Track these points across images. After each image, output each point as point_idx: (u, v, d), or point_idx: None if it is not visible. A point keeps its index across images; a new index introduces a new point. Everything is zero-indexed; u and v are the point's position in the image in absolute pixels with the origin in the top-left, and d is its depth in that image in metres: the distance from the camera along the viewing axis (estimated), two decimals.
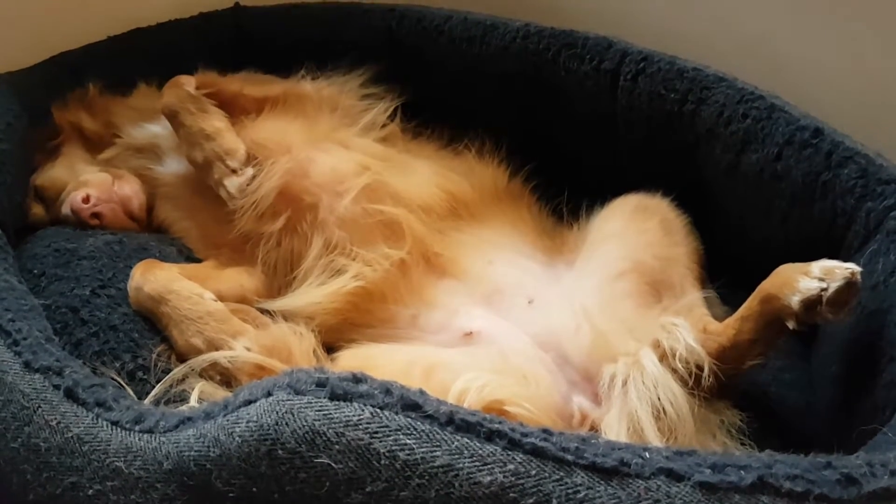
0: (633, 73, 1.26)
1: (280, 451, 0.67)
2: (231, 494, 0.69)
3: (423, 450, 0.65)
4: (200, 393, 0.96)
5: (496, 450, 0.65)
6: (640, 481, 0.63)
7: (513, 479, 0.63)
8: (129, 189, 1.28)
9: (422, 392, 0.71)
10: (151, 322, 1.07)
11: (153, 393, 0.96)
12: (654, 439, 0.91)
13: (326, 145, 1.24)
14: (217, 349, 1.02)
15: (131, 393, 0.90)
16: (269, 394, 0.70)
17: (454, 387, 0.92)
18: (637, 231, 1.14)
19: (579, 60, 1.32)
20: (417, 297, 1.13)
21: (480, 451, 0.65)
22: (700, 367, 0.96)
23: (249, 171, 1.18)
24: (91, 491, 0.75)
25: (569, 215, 1.26)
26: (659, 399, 0.93)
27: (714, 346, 0.99)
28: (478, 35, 1.41)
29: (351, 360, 1.05)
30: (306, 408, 0.68)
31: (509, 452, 0.65)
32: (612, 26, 1.38)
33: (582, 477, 0.63)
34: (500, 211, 1.26)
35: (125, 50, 1.54)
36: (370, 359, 1.04)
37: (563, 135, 1.42)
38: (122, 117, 1.36)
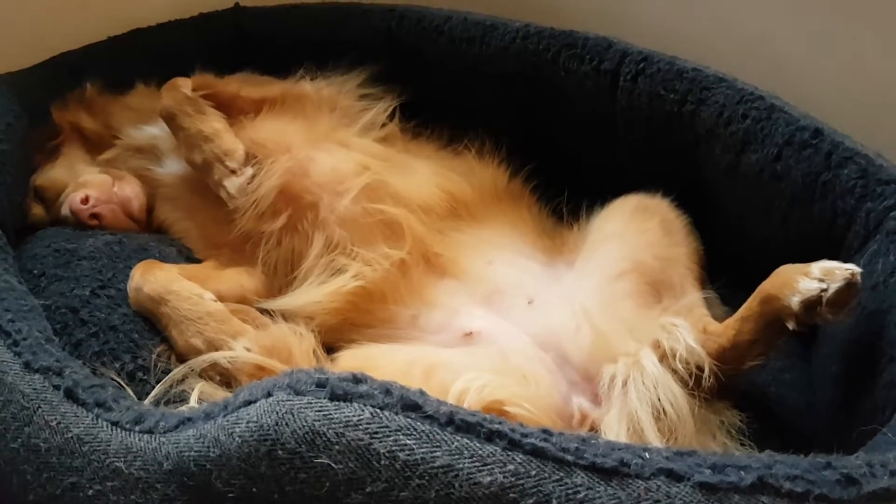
0: (632, 74, 1.26)
1: (280, 452, 0.67)
2: (231, 495, 0.69)
3: (423, 450, 0.65)
4: (200, 393, 0.96)
5: (496, 450, 0.65)
6: (640, 482, 0.63)
7: (513, 479, 0.63)
8: (130, 190, 1.28)
9: (422, 392, 0.71)
10: (151, 322, 1.07)
11: (153, 393, 0.96)
12: (654, 440, 0.91)
13: (326, 145, 1.24)
14: (217, 349, 1.02)
15: (131, 393, 0.90)
16: (269, 394, 0.70)
17: (454, 387, 0.92)
18: (637, 231, 1.14)
19: (579, 61, 1.32)
20: (417, 297, 1.13)
21: (480, 452, 0.65)
22: (700, 368, 0.96)
23: (249, 171, 1.18)
24: (91, 491, 0.75)
25: (569, 215, 1.26)
26: (659, 399, 0.93)
27: (714, 347, 0.99)
28: (477, 35, 1.41)
29: (351, 360, 1.05)
30: (306, 408, 0.68)
31: (509, 453, 0.65)
32: (611, 27, 1.38)
33: (582, 477, 0.63)
34: (500, 211, 1.26)
35: (125, 50, 1.54)
36: (370, 359, 1.04)
37: (563, 135, 1.42)
38: (121, 118, 1.36)
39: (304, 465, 0.66)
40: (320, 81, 1.35)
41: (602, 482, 0.63)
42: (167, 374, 0.99)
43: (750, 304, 0.97)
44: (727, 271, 1.17)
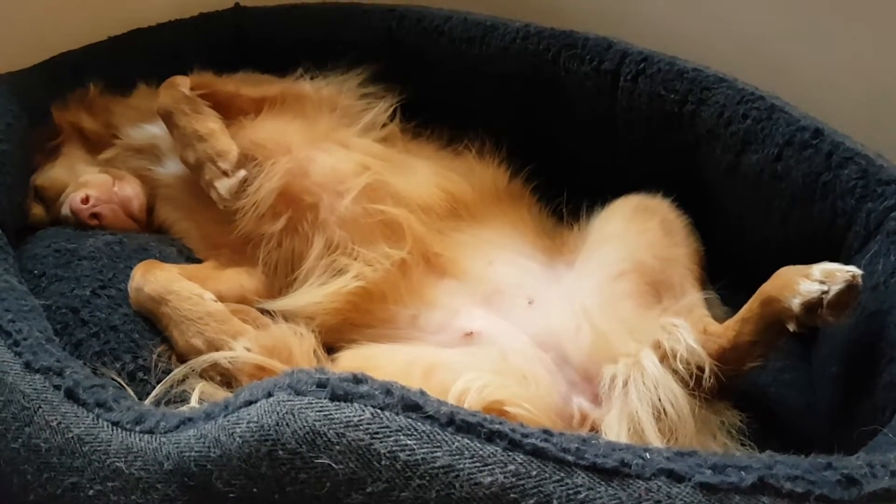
0: (633, 74, 1.27)
1: (280, 452, 0.67)
2: (231, 495, 0.69)
3: (423, 450, 0.65)
4: (201, 393, 0.96)
5: (497, 450, 0.65)
6: (641, 482, 0.63)
7: (513, 479, 0.63)
8: (130, 190, 1.28)
9: (422, 393, 0.71)
10: (152, 323, 1.07)
11: (154, 393, 0.96)
12: (655, 440, 0.91)
13: (326, 145, 1.24)
14: (217, 350, 1.02)
15: (132, 393, 0.90)
16: (270, 394, 0.70)
17: (454, 387, 0.92)
18: (637, 231, 1.14)
19: (579, 61, 1.32)
20: (418, 297, 1.13)
21: (481, 452, 0.65)
22: (700, 368, 0.96)
23: (241, 174, 1.18)
24: (91, 491, 0.75)
25: (569, 216, 1.26)
26: (659, 400, 0.94)
27: (714, 348, 0.99)
28: (478, 35, 1.41)
29: (351, 360, 1.05)
30: (307, 408, 0.68)
31: (510, 453, 0.65)
32: (612, 27, 1.38)
33: (582, 477, 0.63)
34: (500, 211, 1.26)
35: (125, 50, 1.54)
36: (370, 359, 1.04)
37: (564, 135, 1.42)
38: (121, 118, 1.36)
39: (304, 466, 0.66)
40: (320, 81, 1.35)
41: (603, 482, 0.63)
42: (168, 374, 0.99)
43: (750, 306, 0.97)
44: (727, 272, 1.17)
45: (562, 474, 0.64)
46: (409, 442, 0.65)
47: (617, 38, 1.31)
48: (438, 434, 0.66)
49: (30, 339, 0.88)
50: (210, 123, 1.21)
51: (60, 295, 1.06)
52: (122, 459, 0.74)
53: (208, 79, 1.30)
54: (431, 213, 1.19)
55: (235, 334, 1.04)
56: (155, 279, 1.07)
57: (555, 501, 0.62)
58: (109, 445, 0.75)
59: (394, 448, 0.65)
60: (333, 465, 0.66)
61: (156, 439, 0.74)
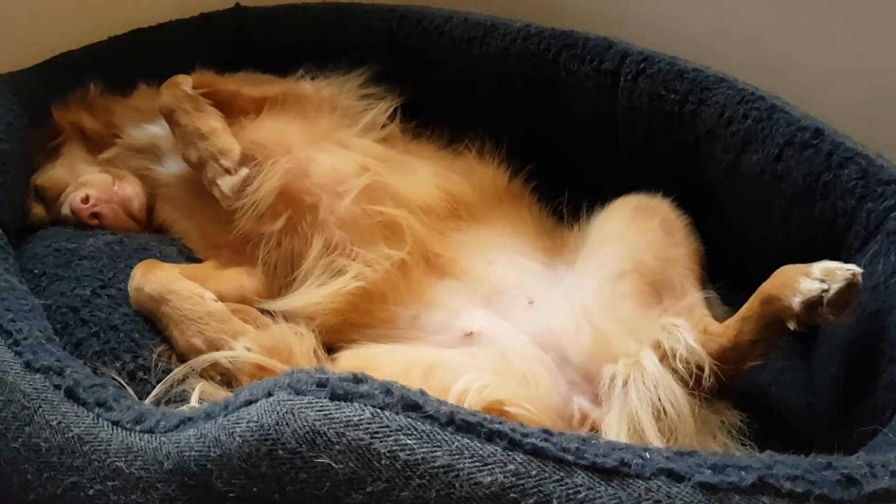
0: (633, 74, 1.27)
1: (280, 451, 0.67)
2: (231, 494, 0.69)
3: (423, 450, 0.65)
4: (201, 393, 0.96)
5: (497, 450, 0.65)
6: (641, 482, 0.63)
7: (513, 479, 0.63)
8: (130, 189, 1.28)
9: (422, 392, 0.71)
10: (152, 322, 1.07)
11: (154, 393, 0.96)
12: (655, 440, 0.91)
13: (326, 145, 1.24)
14: (217, 349, 1.02)
15: (132, 393, 0.90)
16: (270, 394, 0.70)
17: (454, 387, 0.92)
18: (637, 231, 1.14)
19: (580, 61, 1.32)
20: (418, 297, 1.13)
21: (481, 452, 0.65)
22: (700, 368, 0.96)
23: (244, 172, 1.18)
24: (92, 491, 0.75)
25: (569, 216, 1.25)
26: (659, 399, 0.94)
27: (715, 347, 0.99)
28: (478, 36, 1.41)
29: (351, 360, 1.05)
30: (307, 408, 0.68)
31: (510, 453, 0.65)
32: (612, 27, 1.38)
33: (582, 477, 0.63)
34: (500, 211, 1.26)
35: (126, 50, 1.54)
36: (370, 359, 1.04)
37: (564, 135, 1.42)
38: (122, 117, 1.36)
39: (304, 465, 0.66)
40: (321, 81, 1.35)
41: (603, 482, 0.63)
42: (168, 373, 0.99)
43: (751, 305, 0.97)
44: (728, 271, 1.17)
45: (562, 474, 0.64)
46: (408, 441, 0.65)
47: (617, 39, 1.31)
48: (438, 434, 0.66)
49: (30, 338, 0.88)
50: (212, 122, 1.21)
51: (61, 294, 1.06)
52: (123, 459, 0.74)
53: (210, 78, 1.30)
54: (431, 214, 1.19)
55: (236, 334, 1.04)
56: (155, 279, 1.07)
57: (555, 501, 0.62)
58: (109, 445, 0.75)
59: (394, 448, 0.65)
60: (333, 464, 0.66)
61: (156, 439, 0.74)
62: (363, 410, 0.67)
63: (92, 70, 1.44)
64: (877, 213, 1.01)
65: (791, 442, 0.84)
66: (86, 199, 1.23)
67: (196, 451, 0.71)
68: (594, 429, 0.97)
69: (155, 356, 1.02)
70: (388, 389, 0.69)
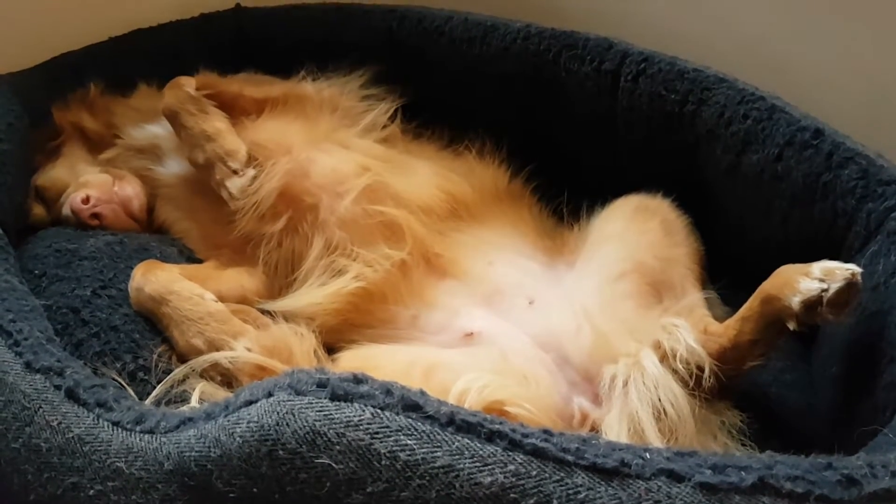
0: (633, 74, 1.27)
1: (281, 452, 0.67)
2: (232, 495, 0.69)
3: (423, 450, 0.65)
4: (201, 393, 0.96)
5: (497, 450, 0.65)
6: (641, 482, 0.63)
7: (513, 479, 0.63)
8: (130, 189, 1.29)
9: (422, 393, 0.71)
10: (152, 323, 1.07)
11: (154, 393, 0.96)
12: (655, 440, 0.91)
13: (327, 146, 1.24)
14: (218, 350, 1.02)
15: (132, 393, 0.90)
16: (270, 394, 0.70)
17: (454, 387, 0.92)
18: (638, 232, 1.14)
19: (580, 61, 1.32)
20: (418, 297, 1.13)
21: (481, 452, 0.65)
22: (701, 368, 0.96)
23: (251, 172, 1.18)
24: (92, 491, 0.75)
25: (569, 216, 1.26)
26: (659, 400, 0.94)
27: (715, 347, 0.99)
28: (478, 36, 1.41)
29: (351, 360, 1.05)
30: (307, 408, 0.68)
31: (510, 453, 0.65)
32: (612, 27, 1.38)
33: (583, 477, 0.63)
34: (500, 211, 1.26)
35: (126, 51, 1.54)
36: (371, 359, 1.04)
37: (564, 135, 1.42)
38: (122, 118, 1.36)
39: (304, 466, 0.66)
40: (322, 82, 1.35)
41: (603, 482, 0.63)
42: (168, 374, 0.99)
43: (750, 305, 0.97)
44: (728, 271, 1.17)
45: (562, 474, 0.64)
46: (409, 442, 0.65)
47: (618, 39, 1.31)
48: (438, 434, 0.66)
49: (30, 339, 0.88)
50: (217, 123, 1.21)
51: (61, 295, 1.07)
52: (123, 459, 0.74)
53: (212, 79, 1.30)
54: (432, 214, 1.20)
55: (236, 334, 1.04)
56: (155, 279, 1.07)
57: (555, 501, 0.62)
58: (110, 445, 0.76)
59: (394, 448, 0.65)
60: (333, 464, 0.66)
61: (156, 439, 0.74)
62: (363, 411, 0.67)
63: (92, 70, 1.44)
64: (877, 213, 1.01)
65: (791, 442, 0.84)
66: (86, 200, 1.23)
67: (196, 451, 0.71)
68: (594, 429, 0.97)
69: (155, 357, 1.02)
70: (388, 390, 0.69)
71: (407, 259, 1.14)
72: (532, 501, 0.63)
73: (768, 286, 0.95)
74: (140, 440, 0.75)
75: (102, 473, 0.75)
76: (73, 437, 0.77)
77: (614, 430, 0.93)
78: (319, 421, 0.67)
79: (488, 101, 1.45)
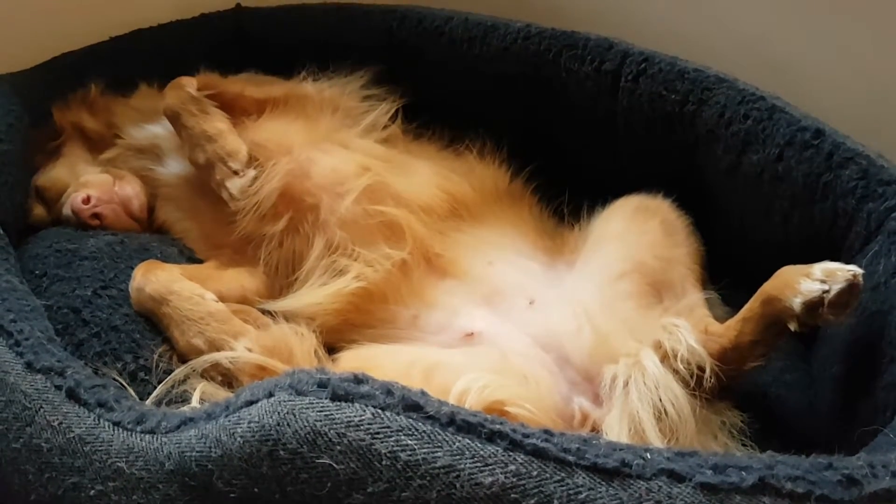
0: (634, 74, 1.26)
1: (281, 452, 0.67)
2: (232, 495, 0.69)
3: (424, 450, 0.65)
4: (202, 393, 0.96)
5: (497, 451, 0.65)
6: (642, 482, 0.63)
7: (514, 479, 0.63)
8: (130, 189, 1.28)
9: (423, 393, 0.71)
10: (153, 323, 1.07)
11: (155, 393, 0.96)
12: (656, 440, 0.91)
13: (327, 146, 1.24)
14: (218, 350, 1.02)
15: (133, 394, 0.90)
16: (271, 394, 0.70)
17: (455, 387, 0.92)
18: (638, 232, 1.14)
19: (580, 61, 1.32)
20: (418, 297, 1.13)
21: (482, 452, 0.65)
22: (701, 368, 0.97)
23: (251, 173, 1.18)
24: (93, 491, 0.75)
25: (569, 216, 1.26)
26: (660, 400, 0.94)
27: (715, 347, 0.99)
28: (478, 36, 1.41)
29: (352, 360, 1.05)
30: (308, 408, 0.68)
31: (510, 453, 0.65)
32: (613, 27, 1.38)
33: (583, 478, 0.64)
34: (500, 211, 1.26)
35: (127, 51, 1.54)
36: (371, 359, 1.04)
37: (564, 135, 1.42)
38: (123, 118, 1.36)
39: (305, 466, 0.67)
40: (322, 82, 1.35)
41: (603, 483, 0.63)
42: (169, 374, 0.99)
43: (751, 305, 0.97)
44: (728, 272, 1.17)
45: (563, 474, 0.64)
46: (409, 442, 0.65)
47: (618, 39, 1.31)
48: (439, 434, 0.66)
49: (31, 339, 0.88)
50: (218, 123, 1.21)
51: (62, 295, 1.07)
52: (124, 459, 0.74)
53: (214, 79, 1.30)
54: (432, 214, 1.20)
55: (236, 334, 1.04)
56: (156, 279, 1.07)
57: (555, 501, 0.63)
58: (111, 445, 0.76)
59: (395, 448, 0.65)
60: (334, 465, 0.66)
61: (157, 439, 0.74)
62: (364, 411, 0.67)
63: (93, 70, 1.44)
64: (877, 213, 1.01)
65: (792, 442, 0.84)
66: (87, 200, 1.23)
67: (197, 451, 0.71)
68: (595, 429, 0.97)
69: (156, 357, 1.02)
70: (388, 390, 0.69)
71: (407, 259, 1.14)
72: (533, 501, 0.63)
73: (769, 287, 0.95)
74: (141, 440, 0.75)
75: (103, 473, 0.75)
76: (73, 437, 0.77)
77: (615, 431, 0.93)
78: (320, 421, 0.67)
79: (489, 101, 1.45)
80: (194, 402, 0.94)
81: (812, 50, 1.39)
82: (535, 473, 0.64)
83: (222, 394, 0.97)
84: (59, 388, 0.81)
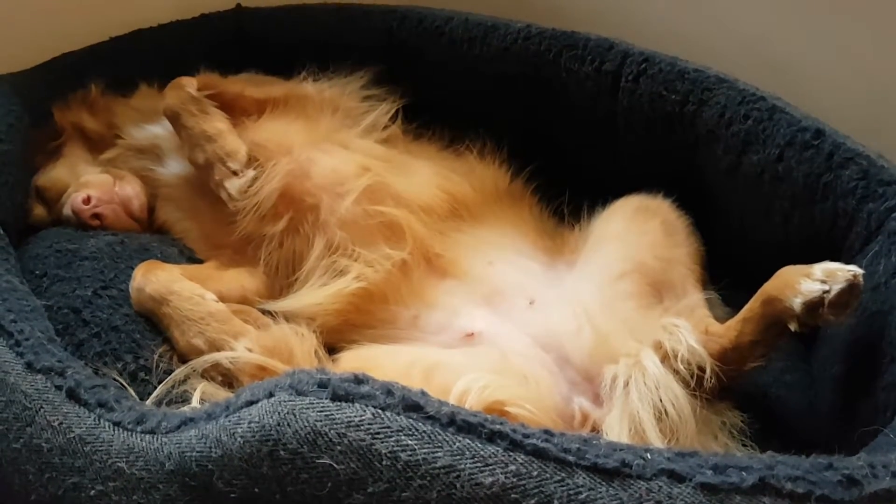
0: (634, 75, 1.27)
1: (282, 452, 0.67)
2: (233, 495, 0.69)
3: (424, 451, 0.65)
4: (202, 394, 0.96)
5: (498, 451, 0.65)
6: (642, 482, 0.63)
7: (514, 479, 0.64)
8: (130, 190, 1.28)
9: (423, 393, 0.71)
10: (153, 323, 1.07)
11: (155, 394, 0.96)
12: (656, 440, 0.91)
13: (327, 146, 1.24)
14: (218, 350, 1.02)
15: (133, 394, 0.90)
16: (271, 394, 0.70)
17: (455, 387, 0.92)
18: (638, 232, 1.14)
19: (580, 62, 1.32)
20: (418, 297, 1.13)
21: (482, 452, 0.65)
22: (701, 369, 0.97)
23: (250, 173, 1.18)
24: (93, 491, 0.75)
25: (570, 216, 1.26)
26: (660, 400, 0.94)
27: (716, 348, 0.99)
28: (479, 36, 1.41)
29: (352, 360, 1.05)
30: (308, 408, 0.68)
31: (511, 453, 0.65)
32: (613, 27, 1.38)
33: (583, 478, 0.64)
34: (500, 212, 1.26)
35: (127, 51, 1.54)
36: (371, 359, 1.04)
37: (564, 136, 1.42)
38: (123, 118, 1.36)
39: (305, 466, 0.67)
40: (322, 83, 1.35)
41: (604, 483, 0.63)
42: (169, 374, 0.99)
43: (751, 306, 0.97)
44: (728, 272, 1.17)
45: (563, 475, 0.64)
46: (410, 442, 0.65)
47: (618, 39, 1.31)
48: (439, 434, 0.66)
49: (31, 339, 0.88)
50: (218, 124, 1.21)
51: (62, 295, 1.07)
52: (124, 460, 0.74)
53: (214, 80, 1.30)
54: (432, 214, 1.20)
55: (236, 334, 1.04)
56: (156, 279, 1.07)
57: (556, 502, 0.63)
58: (111, 445, 0.76)
59: (395, 448, 0.65)
60: (335, 465, 0.66)
61: (157, 439, 0.75)
62: (364, 411, 0.67)
63: (93, 70, 1.44)
64: (877, 213, 1.01)
65: (792, 442, 0.84)
66: (87, 200, 1.23)
67: (197, 451, 0.71)
68: (595, 429, 0.97)
69: (156, 357, 1.02)
70: (389, 390, 0.69)
71: (407, 259, 1.14)
72: (533, 502, 0.63)
73: (769, 287, 0.95)
74: (141, 440, 0.75)
75: (103, 474, 0.75)
76: (74, 438, 0.77)
77: (615, 431, 0.93)
78: (320, 421, 0.67)
79: (489, 101, 1.45)
80: (194, 402, 0.94)
81: (812, 50, 1.39)
82: (535, 474, 0.64)
83: (222, 394, 0.97)
84: (59, 388, 0.82)
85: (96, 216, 1.24)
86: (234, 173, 1.18)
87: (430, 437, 0.66)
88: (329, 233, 1.17)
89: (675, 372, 0.96)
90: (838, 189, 1.05)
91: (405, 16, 1.50)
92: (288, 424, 0.67)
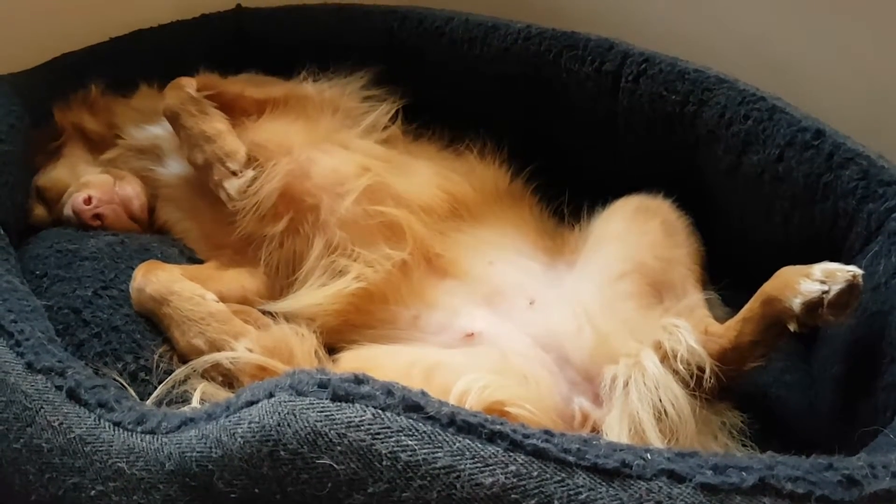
0: (634, 75, 1.27)
1: (282, 452, 0.67)
2: (233, 495, 0.69)
3: (424, 451, 0.65)
4: (202, 394, 0.96)
5: (498, 451, 0.65)
6: (642, 482, 0.63)
7: (514, 480, 0.64)
8: (131, 190, 1.29)
9: (423, 393, 0.71)
10: (153, 323, 1.07)
11: (155, 394, 0.96)
12: (656, 440, 0.91)
13: (327, 147, 1.24)
14: (219, 350, 1.02)
15: (133, 394, 0.90)
16: (271, 395, 0.70)
17: (455, 388, 0.92)
18: (638, 232, 1.14)
19: (580, 62, 1.32)
20: (418, 297, 1.13)
21: (482, 453, 0.65)
22: (701, 369, 0.97)
23: (249, 174, 1.18)
24: (93, 492, 0.75)
25: (570, 216, 1.26)
26: (660, 400, 0.94)
27: (715, 348, 0.99)
28: (479, 36, 1.41)
29: (352, 361, 1.05)
30: (308, 409, 0.68)
31: (511, 454, 0.65)
32: (613, 28, 1.38)
33: (583, 478, 0.64)
34: (501, 212, 1.26)
35: (127, 51, 1.54)
36: (371, 360, 1.04)
37: (565, 136, 1.42)
38: (123, 118, 1.36)
39: (305, 466, 0.67)
40: (323, 83, 1.35)
41: (604, 483, 0.63)
42: (169, 374, 1.00)
43: (751, 306, 0.98)
44: (728, 272, 1.17)
45: (563, 475, 0.64)
46: (410, 442, 0.65)
47: (618, 40, 1.31)
48: (440, 434, 0.66)
49: (32, 339, 0.88)
50: (217, 124, 1.22)
51: (62, 295, 1.07)
52: (124, 460, 0.74)
53: (213, 80, 1.30)
54: (432, 214, 1.20)
55: (237, 335, 1.04)
56: (156, 280, 1.07)
57: (556, 502, 0.63)
58: (111, 446, 0.76)
59: (395, 448, 0.65)
60: (335, 465, 0.66)
61: (157, 440, 0.75)
62: (364, 411, 0.67)
63: (93, 71, 1.44)
64: (877, 213, 1.01)
65: (792, 443, 0.84)
66: (88, 200, 1.23)
67: (198, 451, 0.71)
68: (595, 429, 0.97)
69: (156, 357, 1.02)
70: (389, 390, 0.69)
71: (408, 259, 1.14)
72: (533, 502, 0.63)
73: (769, 287, 0.95)
74: (141, 441, 0.75)
75: (104, 474, 0.75)
76: (74, 438, 0.77)
77: (615, 431, 0.94)
78: (321, 421, 0.67)
79: (489, 101, 1.45)
80: (195, 402, 0.94)
81: (812, 50, 1.39)
82: (535, 474, 0.64)
83: (223, 394, 0.97)
84: (59, 388, 0.82)
85: (97, 216, 1.24)
86: (233, 173, 1.18)
87: (430, 437, 0.66)
88: (329, 233, 1.17)
89: (675, 372, 0.96)
90: (838, 189, 1.05)
91: (405, 16, 1.50)
92: (288, 425, 0.67)
